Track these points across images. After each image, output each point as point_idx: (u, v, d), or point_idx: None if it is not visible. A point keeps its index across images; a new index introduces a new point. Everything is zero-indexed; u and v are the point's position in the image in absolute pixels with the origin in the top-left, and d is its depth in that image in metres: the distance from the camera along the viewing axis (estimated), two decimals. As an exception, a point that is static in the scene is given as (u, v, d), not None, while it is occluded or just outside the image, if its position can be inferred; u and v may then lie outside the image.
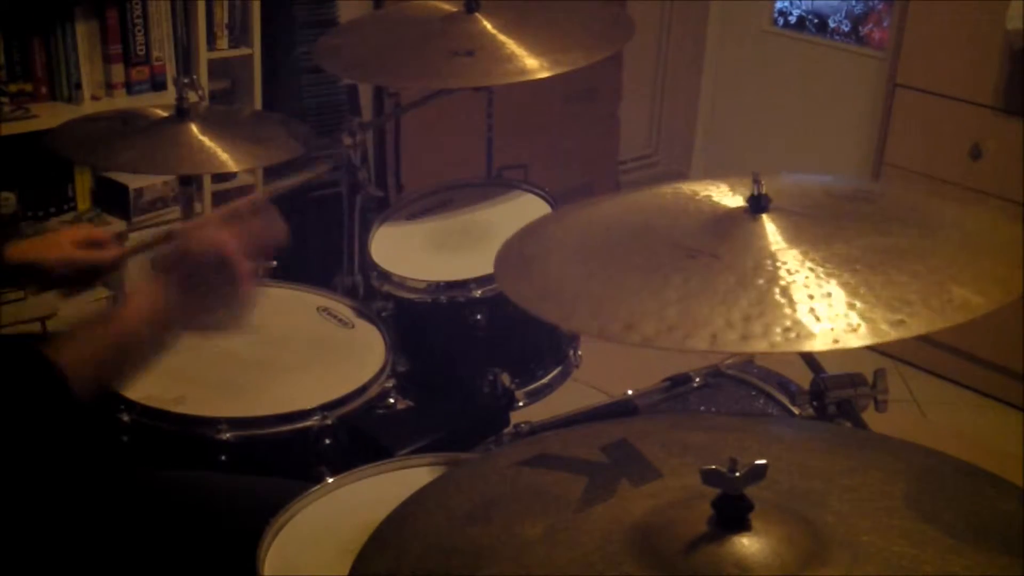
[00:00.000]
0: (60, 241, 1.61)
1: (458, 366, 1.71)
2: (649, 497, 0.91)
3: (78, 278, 1.60)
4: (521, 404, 1.81)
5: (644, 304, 1.12)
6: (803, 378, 1.43)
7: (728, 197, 1.34)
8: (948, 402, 3.11)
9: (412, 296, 1.80)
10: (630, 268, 1.21)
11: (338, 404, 1.51)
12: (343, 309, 1.76)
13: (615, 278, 1.20)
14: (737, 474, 0.82)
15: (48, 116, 2.62)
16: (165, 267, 1.34)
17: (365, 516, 1.17)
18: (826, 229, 1.21)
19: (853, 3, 3.80)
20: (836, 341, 1.04)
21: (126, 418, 1.46)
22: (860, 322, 1.06)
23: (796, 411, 1.57)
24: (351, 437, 1.50)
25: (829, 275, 1.12)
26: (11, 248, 1.57)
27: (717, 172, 1.59)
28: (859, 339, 1.04)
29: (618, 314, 1.12)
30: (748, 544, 0.82)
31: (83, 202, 2.79)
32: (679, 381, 1.69)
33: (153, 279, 1.33)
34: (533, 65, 1.82)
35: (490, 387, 1.71)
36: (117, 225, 2.77)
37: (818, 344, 1.05)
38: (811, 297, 1.09)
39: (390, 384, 1.59)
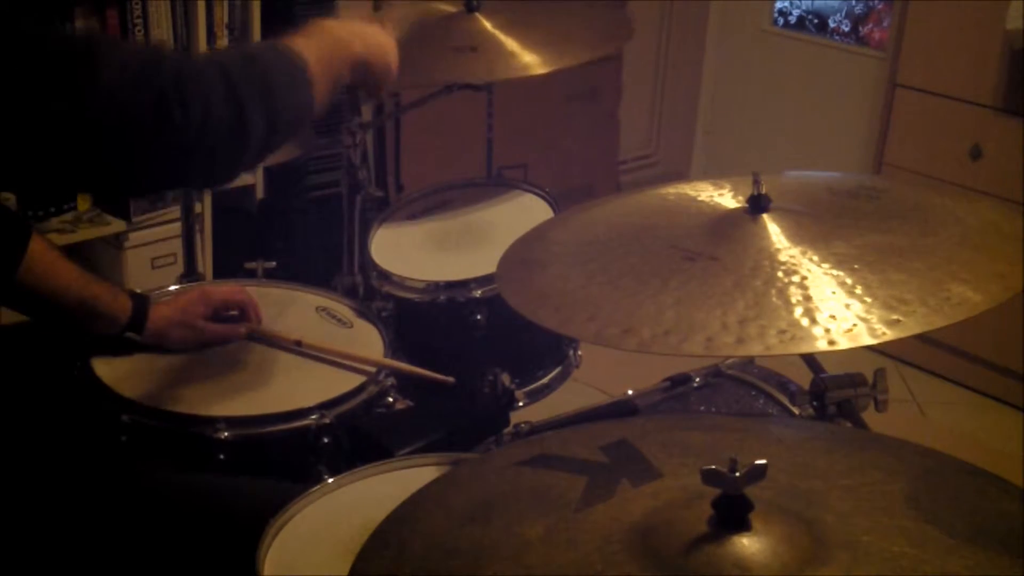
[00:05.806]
0: (193, 311, 1.59)
1: (458, 366, 1.71)
2: (649, 497, 0.91)
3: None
4: (521, 404, 1.81)
5: (642, 308, 1.13)
6: (803, 378, 1.43)
7: (728, 197, 1.34)
8: (948, 402, 3.11)
9: (412, 296, 1.80)
10: (629, 272, 1.21)
11: (336, 402, 1.51)
12: (342, 309, 1.76)
13: (614, 282, 1.20)
14: (737, 474, 0.82)
15: (48, 116, 2.62)
16: None
17: (365, 516, 1.17)
18: (826, 228, 1.21)
19: (853, 3, 3.80)
20: (832, 343, 1.04)
21: (124, 417, 1.46)
22: (856, 323, 1.06)
23: (796, 411, 1.57)
24: (351, 437, 1.50)
25: (827, 275, 1.12)
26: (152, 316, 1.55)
27: (717, 172, 1.59)
28: (855, 340, 1.04)
29: (615, 319, 1.12)
30: (748, 544, 0.82)
31: (83, 202, 2.79)
32: (679, 381, 1.69)
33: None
34: (535, 60, 1.82)
35: (490, 387, 1.71)
36: (116, 225, 2.77)
37: (814, 347, 1.05)
38: (808, 299, 1.09)
39: (388, 383, 1.59)
